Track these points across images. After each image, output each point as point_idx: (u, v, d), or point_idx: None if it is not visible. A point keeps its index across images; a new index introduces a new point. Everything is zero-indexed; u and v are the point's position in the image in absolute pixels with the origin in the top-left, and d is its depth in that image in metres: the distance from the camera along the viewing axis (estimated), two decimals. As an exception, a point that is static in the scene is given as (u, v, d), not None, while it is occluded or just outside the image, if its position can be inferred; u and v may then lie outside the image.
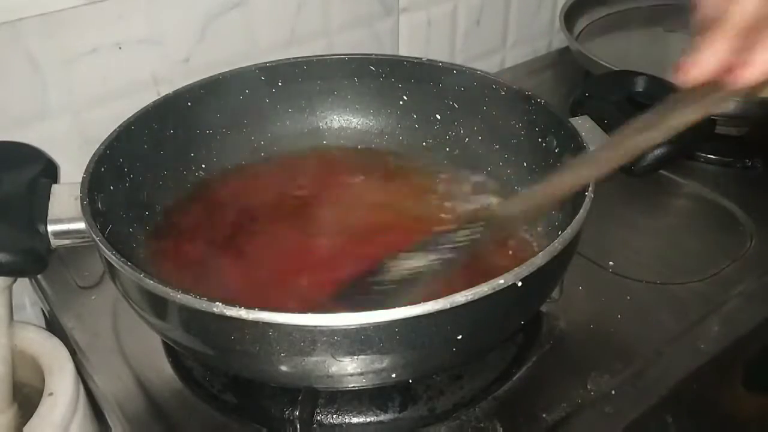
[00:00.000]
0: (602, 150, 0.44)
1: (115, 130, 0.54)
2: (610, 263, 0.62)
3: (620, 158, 0.43)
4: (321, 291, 0.51)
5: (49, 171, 0.52)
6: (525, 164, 0.60)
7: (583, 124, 0.56)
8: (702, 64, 0.35)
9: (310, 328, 0.38)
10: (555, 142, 0.56)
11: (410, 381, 0.50)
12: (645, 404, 0.50)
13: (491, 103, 0.62)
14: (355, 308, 0.37)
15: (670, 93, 0.39)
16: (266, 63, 0.64)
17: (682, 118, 0.38)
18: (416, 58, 0.65)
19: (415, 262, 0.44)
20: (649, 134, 0.40)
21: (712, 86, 0.36)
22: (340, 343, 0.39)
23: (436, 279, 0.43)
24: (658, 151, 0.54)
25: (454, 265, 0.44)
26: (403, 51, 0.85)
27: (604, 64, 0.77)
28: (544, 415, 0.48)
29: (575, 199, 0.48)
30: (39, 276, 0.61)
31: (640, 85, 0.61)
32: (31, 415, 0.50)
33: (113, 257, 0.42)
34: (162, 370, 0.53)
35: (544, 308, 0.56)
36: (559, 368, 0.52)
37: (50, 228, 0.47)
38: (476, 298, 0.38)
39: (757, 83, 0.35)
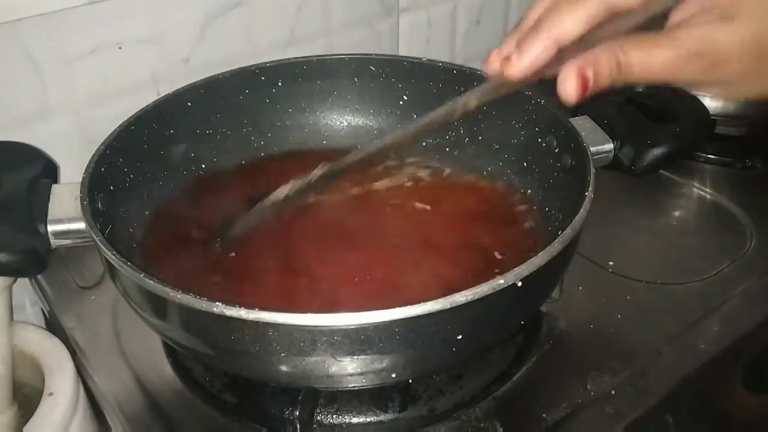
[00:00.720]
0: (414, 121, 0.47)
1: (115, 130, 0.54)
2: (610, 263, 0.62)
3: (428, 125, 0.46)
4: (320, 291, 0.51)
5: (49, 171, 0.52)
6: (525, 164, 0.61)
7: (583, 124, 0.56)
8: (492, 57, 0.40)
9: (310, 328, 0.38)
10: (555, 142, 0.56)
11: (410, 381, 0.50)
12: (645, 404, 0.50)
13: (491, 102, 0.62)
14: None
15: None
16: (266, 63, 0.64)
17: (473, 100, 0.43)
18: (416, 58, 0.65)
19: (287, 190, 0.51)
20: (447, 109, 0.44)
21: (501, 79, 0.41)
22: (340, 343, 0.39)
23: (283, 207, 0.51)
24: (658, 151, 0.54)
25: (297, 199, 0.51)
26: (403, 51, 0.85)
27: (604, 64, 0.77)
28: (544, 415, 0.48)
29: (575, 199, 0.48)
30: (39, 276, 0.61)
31: (640, 85, 0.61)
32: (31, 415, 0.50)
33: (113, 257, 0.42)
34: (162, 370, 0.53)
35: (544, 308, 0.56)
36: (559, 368, 0.52)
37: (50, 228, 0.47)
38: (476, 298, 0.38)
39: (519, 79, 0.39)
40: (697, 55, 0.35)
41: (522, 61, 0.38)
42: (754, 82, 0.36)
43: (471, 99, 0.42)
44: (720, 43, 0.34)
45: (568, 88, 0.36)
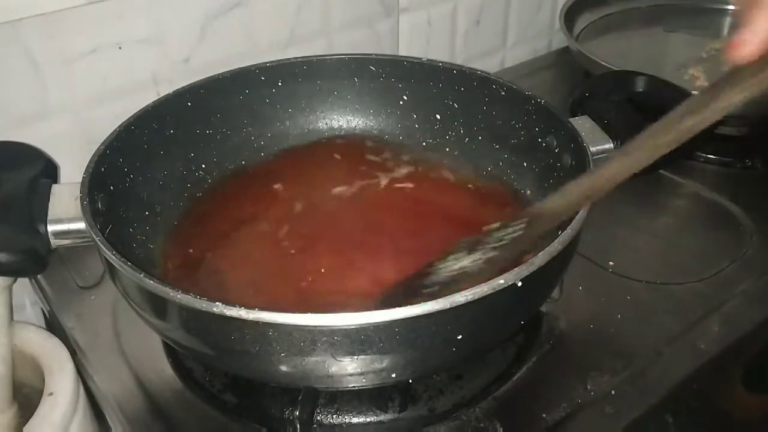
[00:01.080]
0: (649, 136, 0.40)
1: (115, 130, 0.54)
2: (610, 263, 0.62)
3: (670, 142, 0.39)
4: (320, 290, 0.51)
5: (49, 171, 0.52)
6: (525, 164, 0.61)
7: (583, 124, 0.56)
8: (750, 41, 0.32)
9: (310, 328, 0.38)
10: (555, 142, 0.57)
11: (410, 381, 0.50)
12: (645, 404, 0.50)
13: (491, 103, 0.62)
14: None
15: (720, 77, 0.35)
16: (266, 63, 0.64)
17: (732, 97, 0.36)
18: (416, 58, 0.65)
19: (462, 262, 0.43)
20: (701, 115, 0.37)
21: (763, 63, 0.33)
22: (340, 343, 0.39)
23: (482, 278, 0.40)
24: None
25: (498, 264, 0.42)
26: (403, 51, 0.85)
27: (604, 64, 0.77)
28: (544, 415, 0.48)
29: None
30: (39, 276, 0.61)
31: (640, 85, 0.61)
32: (31, 415, 0.50)
33: (113, 257, 0.42)
34: (162, 370, 0.53)
35: (544, 308, 0.56)
36: (559, 368, 0.52)
37: (50, 228, 0.47)
38: (476, 298, 0.38)
39: None
40: None
41: None
42: None
43: (733, 96, 0.35)
44: None
45: None
